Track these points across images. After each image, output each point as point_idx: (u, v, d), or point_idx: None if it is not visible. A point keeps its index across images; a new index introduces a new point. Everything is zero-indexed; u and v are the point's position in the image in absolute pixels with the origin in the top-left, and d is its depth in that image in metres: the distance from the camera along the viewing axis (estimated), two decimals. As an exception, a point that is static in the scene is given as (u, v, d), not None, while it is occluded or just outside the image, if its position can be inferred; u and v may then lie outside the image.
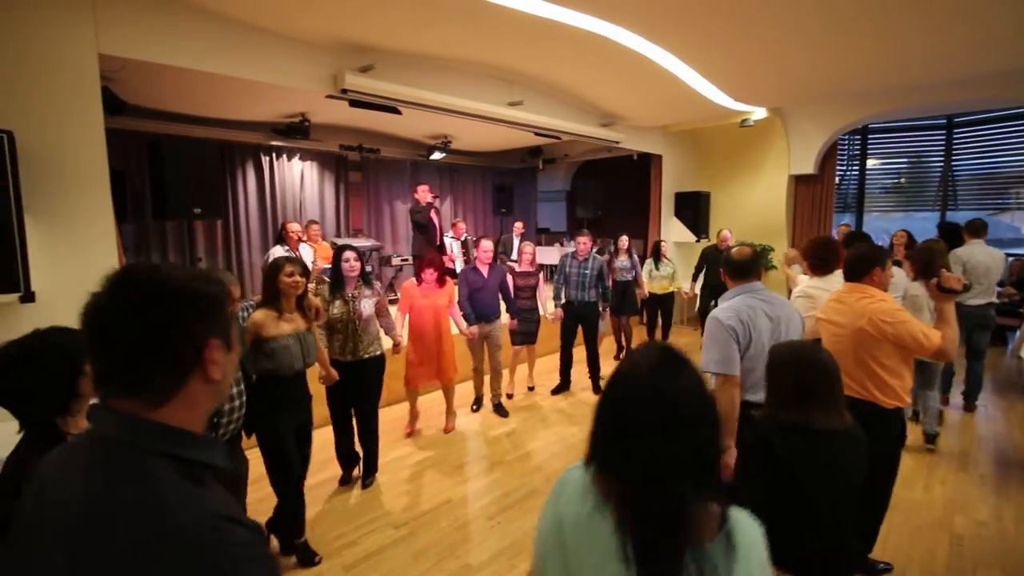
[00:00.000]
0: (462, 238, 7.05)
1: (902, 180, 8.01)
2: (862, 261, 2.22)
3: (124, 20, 3.07)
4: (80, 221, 2.92)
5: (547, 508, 0.95)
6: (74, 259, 2.88)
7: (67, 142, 2.89)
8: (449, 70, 4.78)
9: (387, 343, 3.45)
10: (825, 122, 6.89)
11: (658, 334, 6.53)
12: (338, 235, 7.52)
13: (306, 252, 5.07)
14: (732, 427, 2.00)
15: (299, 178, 7.27)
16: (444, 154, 8.17)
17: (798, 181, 7.57)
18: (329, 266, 5.26)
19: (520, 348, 4.84)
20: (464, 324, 4.20)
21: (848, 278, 2.27)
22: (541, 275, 4.88)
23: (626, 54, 4.44)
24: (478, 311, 4.24)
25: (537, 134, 6.05)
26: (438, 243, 6.13)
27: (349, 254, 3.20)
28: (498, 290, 4.37)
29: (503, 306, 4.46)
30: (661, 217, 7.73)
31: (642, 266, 6.09)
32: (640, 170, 8.25)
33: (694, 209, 7.71)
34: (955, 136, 7.27)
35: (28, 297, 2.57)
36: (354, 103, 4.42)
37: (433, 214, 6.04)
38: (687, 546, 0.78)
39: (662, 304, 6.27)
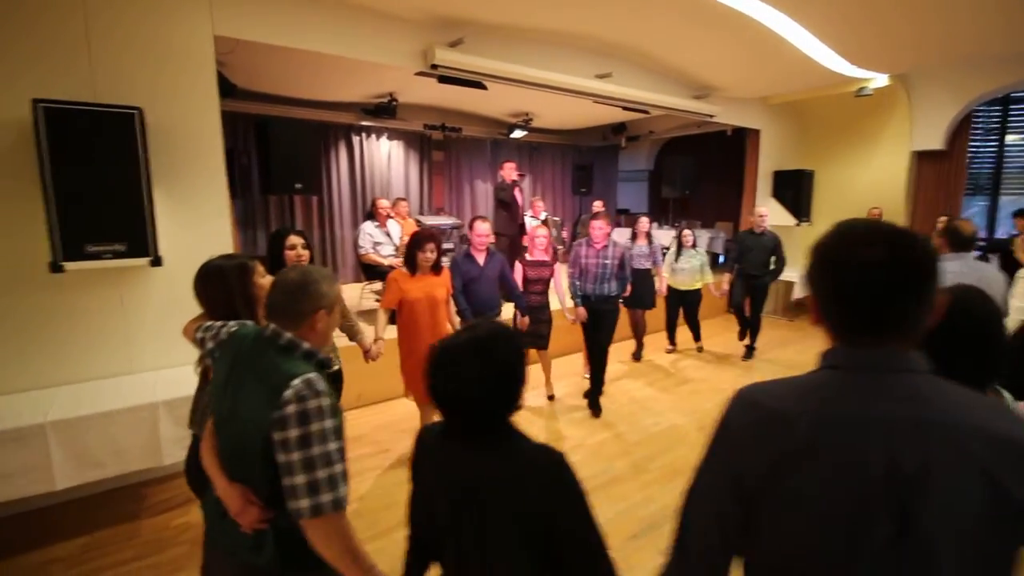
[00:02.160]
0: (541, 216, 6.97)
1: (1051, 158, 6.89)
2: None
3: (233, 2, 3.23)
4: (200, 194, 3.16)
5: None
6: (194, 228, 3.11)
7: (188, 120, 3.11)
8: (537, 42, 4.65)
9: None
10: (960, 89, 6.03)
11: (687, 336, 5.67)
12: (421, 213, 7.70)
13: (393, 228, 5.22)
14: None
15: (386, 157, 7.50)
16: (525, 132, 8.09)
17: (921, 158, 6.72)
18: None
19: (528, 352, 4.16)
20: (458, 322, 3.43)
21: None
22: (557, 266, 4.13)
23: (730, 16, 4.09)
24: (474, 306, 3.57)
25: (625, 108, 5.80)
26: (520, 222, 6.09)
27: (295, 239, 2.53)
28: (497, 280, 3.70)
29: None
30: (756, 198, 7.19)
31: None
32: (733, 147, 7.71)
33: (795, 189, 7.09)
34: None
35: (157, 261, 2.82)
36: (443, 79, 4.43)
37: (517, 192, 5.99)
38: None
39: (684, 301, 5.37)
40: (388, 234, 5.12)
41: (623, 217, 10.15)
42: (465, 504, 1.05)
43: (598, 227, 3.98)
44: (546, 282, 4.06)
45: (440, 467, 1.12)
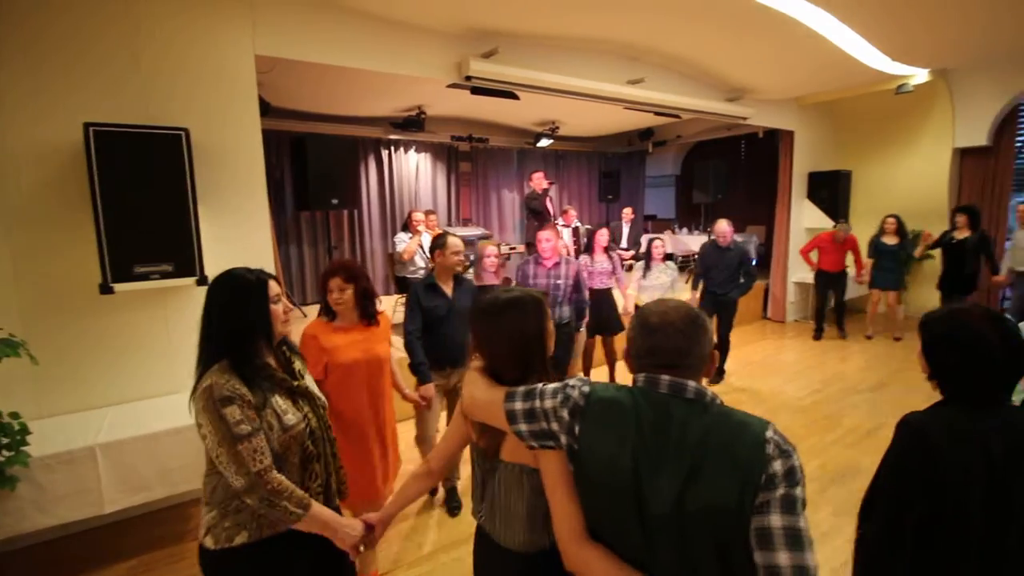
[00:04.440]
0: (572, 225, 6.89)
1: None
2: None
3: (274, 22, 3.25)
4: (242, 212, 3.16)
5: None
6: (237, 246, 3.11)
7: (230, 139, 3.13)
8: (569, 50, 4.60)
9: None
10: (1005, 84, 5.82)
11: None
12: (449, 224, 7.70)
13: (426, 240, 5.20)
14: None
15: (414, 170, 7.53)
16: (551, 141, 8.05)
17: (964, 155, 6.49)
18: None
19: None
20: (404, 384, 2.44)
21: None
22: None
23: (765, 14, 3.98)
24: (439, 356, 2.65)
25: (657, 114, 5.71)
26: (551, 231, 6.02)
27: (275, 286, 1.40)
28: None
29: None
30: (791, 200, 7.00)
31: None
32: (764, 149, 7.55)
33: (831, 190, 6.90)
34: None
35: (203, 281, 2.80)
36: (475, 90, 4.41)
37: (547, 201, 5.93)
38: None
39: None
40: (421, 246, 5.10)
41: (651, 223, 10.02)
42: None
43: (544, 238, 3.27)
44: None
45: (966, 447, 1.15)
